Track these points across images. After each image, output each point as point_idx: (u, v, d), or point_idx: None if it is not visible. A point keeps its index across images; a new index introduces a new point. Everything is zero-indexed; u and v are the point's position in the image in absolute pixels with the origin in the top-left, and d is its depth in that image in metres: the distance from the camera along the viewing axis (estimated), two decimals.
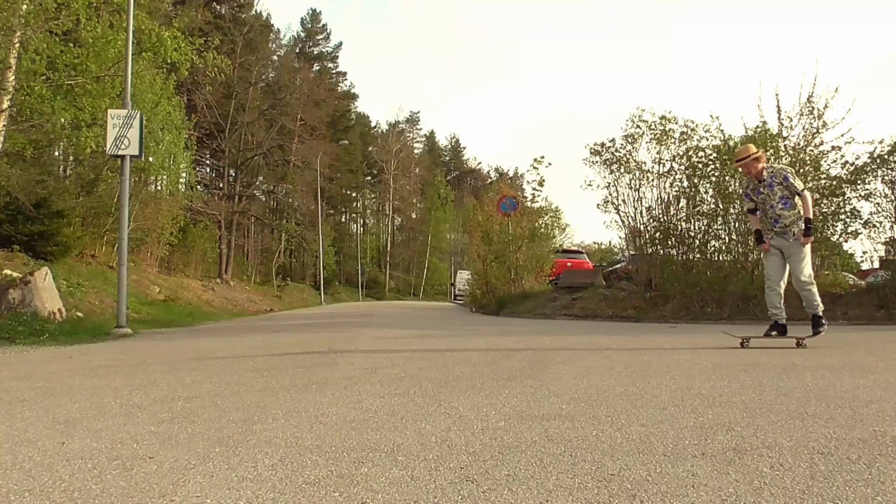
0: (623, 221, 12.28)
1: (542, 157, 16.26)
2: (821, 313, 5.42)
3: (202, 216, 30.52)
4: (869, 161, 9.39)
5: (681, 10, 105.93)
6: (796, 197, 5.41)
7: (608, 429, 2.39)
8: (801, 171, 9.99)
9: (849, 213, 9.66)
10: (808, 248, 5.42)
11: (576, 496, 1.67)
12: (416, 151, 66.80)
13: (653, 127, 11.58)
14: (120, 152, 9.34)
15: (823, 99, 9.74)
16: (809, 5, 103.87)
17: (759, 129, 10.33)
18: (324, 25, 53.73)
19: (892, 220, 9.24)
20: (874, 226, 9.41)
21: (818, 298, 5.44)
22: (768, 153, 10.13)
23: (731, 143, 10.65)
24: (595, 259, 27.28)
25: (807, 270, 5.37)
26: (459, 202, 61.94)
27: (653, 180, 11.76)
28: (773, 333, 5.50)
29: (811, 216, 5.44)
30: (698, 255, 11.20)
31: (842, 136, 9.62)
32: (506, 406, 2.87)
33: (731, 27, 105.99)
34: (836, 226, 9.81)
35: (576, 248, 21.39)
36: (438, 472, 1.90)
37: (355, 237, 60.27)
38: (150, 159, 17.50)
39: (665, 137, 11.48)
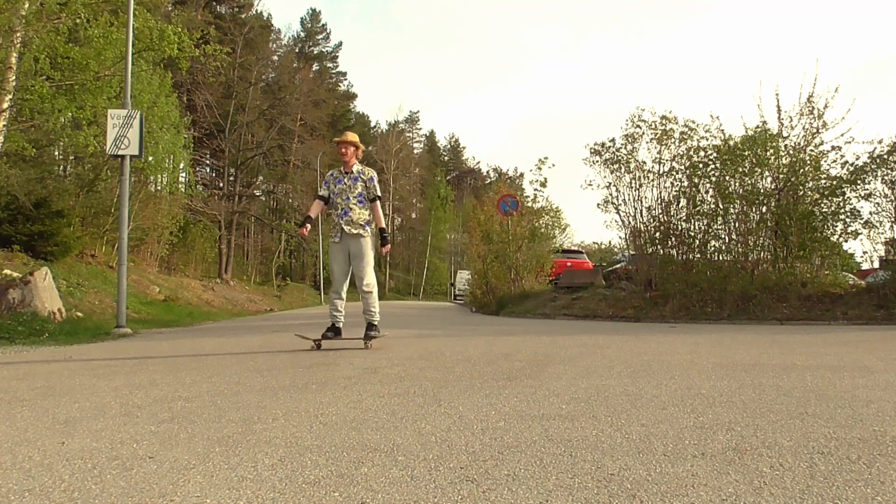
0: (623, 221, 12.30)
1: (546, 158, 16.29)
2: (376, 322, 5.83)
3: (202, 216, 30.54)
4: (869, 161, 9.39)
5: (682, 9, 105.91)
6: (374, 202, 5.69)
7: (608, 428, 2.39)
8: (801, 170, 10.01)
9: (849, 213, 9.66)
10: (370, 250, 5.67)
11: (575, 496, 1.67)
12: (415, 151, 66.79)
13: (653, 127, 11.59)
14: (120, 152, 9.34)
15: (823, 99, 9.75)
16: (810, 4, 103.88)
17: (759, 129, 10.34)
18: (323, 25, 53.78)
19: (892, 220, 9.24)
20: (874, 226, 9.41)
21: (377, 306, 5.82)
22: (768, 153, 10.15)
23: (731, 142, 10.66)
24: (595, 259, 27.30)
25: (369, 276, 5.67)
26: (459, 202, 61.96)
27: (653, 180, 11.77)
28: (330, 335, 5.75)
29: (384, 226, 5.78)
30: (698, 255, 11.21)
31: (842, 135, 9.63)
32: (506, 406, 2.87)
33: (730, 27, 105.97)
34: (836, 226, 9.81)
35: (576, 248, 21.41)
36: (438, 472, 1.90)
37: None
38: (150, 158, 17.50)
39: (665, 137, 11.49)
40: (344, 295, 5.85)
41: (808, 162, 9.98)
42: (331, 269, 5.87)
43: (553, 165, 16.46)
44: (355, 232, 5.66)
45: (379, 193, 5.84)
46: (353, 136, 5.92)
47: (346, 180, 5.79)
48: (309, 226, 6.01)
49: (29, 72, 10.99)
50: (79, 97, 11.54)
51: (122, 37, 10.84)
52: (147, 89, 16.70)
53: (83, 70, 11.33)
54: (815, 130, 9.90)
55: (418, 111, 78.25)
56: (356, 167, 5.85)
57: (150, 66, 14.17)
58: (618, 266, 17.68)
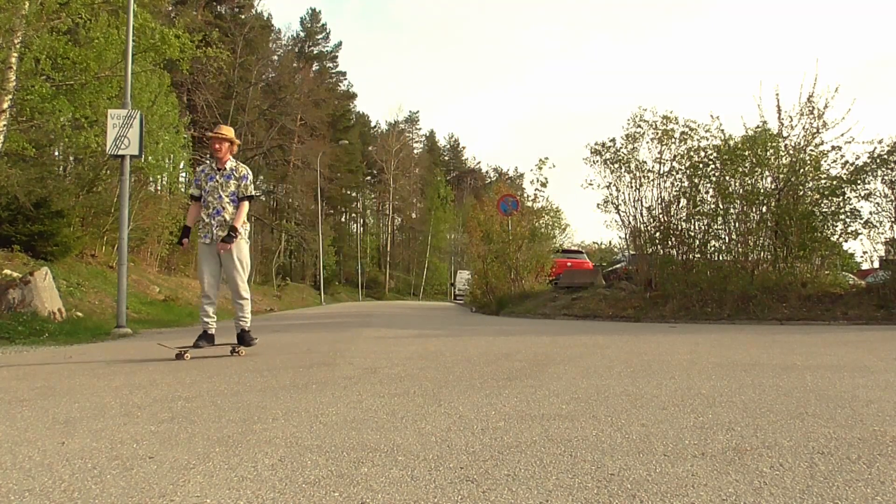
0: (623, 221, 12.30)
1: (547, 159, 16.31)
2: (248, 328, 5.51)
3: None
4: (869, 161, 9.39)
5: (682, 9, 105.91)
6: (243, 202, 5.36)
7: (608, 428, 2.39)
8: (801, 171, 10.00)
9: (849, 213, 9.66)
10: (245, 254, 5.40)
11: (575, 496, 1.67)
12: (415, 152, 66.80)
13: (654, 127, 11.59)
14: (120, 152, 9.35)
15: (823, 99, 9.75)
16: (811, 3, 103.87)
17: (759, 129, 10.34)
18: (323, 25, 53.86)
19: (892, 220, 9.24)
20: (874, 226, 9.41)
21: (249, 311, 5.52)
22: (768, 153, 10.15)
23: (732, 142, 10.66)
24: (595, 259, 27.30)
25: (242, 281, 5.36)
26: (459, 202, 61.99)
27: (653, 180, 11.77)
28: (202, 343, 5.41)
29: (239, 225, 5.32)
30: (698, 255, 11.21)
31: (842, 135, 9.63)
32: (506, 406, 2.87)
33: (730, 26, 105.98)
34: (836, 226, 9.81)
35: (576, 248, 21.42)
36: (438, 472, 1.90)
37: (355, 237, 60.35)
38: (150, 158, 17.51)
39: (666, 137, 11.49)
40: (215, 299, 5.46)
41: (808, 162, 9.98)
42: (200, 271, 5.50)
43: (553, 166, 16.48)
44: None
45: (251, 193, 5.50)
46: (227, 130, 5.55)
47: (217, 177, 5.39)
48: (186, 240, 5.57)
49: (29, 72, 11.00)
50: (78, 97, 11.55)
51: (122, 37, 10.86)
52: (146, 89, 16.71)
53: (83, 70, 11.33)
54: (815, 130, 9.90)
55: (418, 111, 78.30)
56: (230, 164, 5.45)
57: (150, 66, 14.16)
58: (618, 266, 17.69)
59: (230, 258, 5.30)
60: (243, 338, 5.49)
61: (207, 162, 5.64)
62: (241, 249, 5.38)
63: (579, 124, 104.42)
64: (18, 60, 10.93)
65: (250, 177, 5.58)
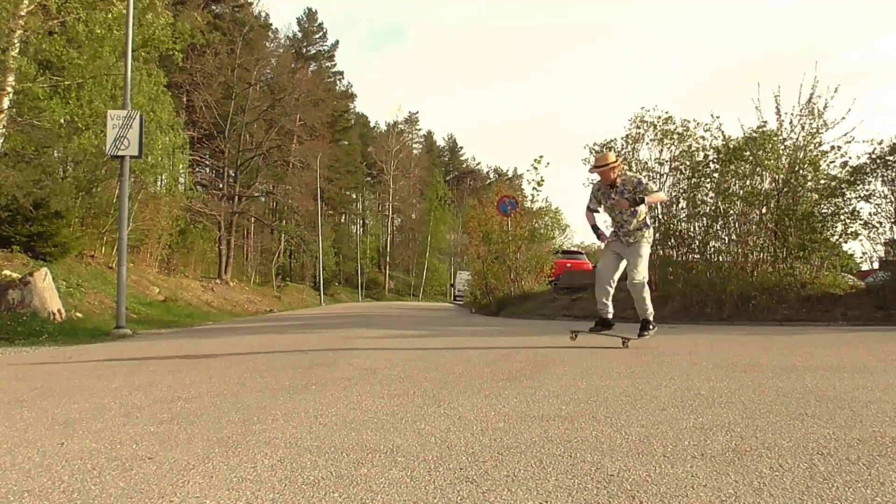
0: None
1: (542, 157, 16.30)
2: (651, 318, 5.59)
3: (202, 217, 30.53)
4: (869, 161, 9.39)
5: (683, 8, 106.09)
6: (642, 206, 5.49)
7: (607, 429, 2.39)
8: (801, 171, 10.00)
9: (849, 214, 9.66)
10: (646, 252, 5.57)
11: (575, 497, 1.67)
12: (414, 152, 66.79)
13: (655, 127, 11.60)
14: (119, 153, 9.35)
15: (823, 99, 9.75)
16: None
17: (759, 130, 10.34)
18: (320, 24, 53.69)
19: (892, 220, 9.23)
20: (874, 227, 9.41)
21: (650, 303, 5.59)
22: (767, 153, 10.16)
23: (732, 143, 10.66)
24: (595, 260, 27.31)
25: (642, 273, 5.51)
26: (459, 203, 62.00)
27: (653, 182, 11.77)
28: (599, 328, 5.65)
29: (655, 199, 5.63)
30: (698, 256, 11.21)
31: (844, 135, 9.63)
32: (505, 407, 2.87)
33: (730, 26, 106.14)
34: (836, 226, 9.81)
35: (576, 249, 21.41)
36: (438, 473, 1.90)
37: (355, 238, 60.32)
38: (149, 159, 17.49)
39: (666, 138, 11.50)
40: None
41: (808, 162, 9.98)
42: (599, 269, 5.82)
43: (549, 164, 16.47)
44: None
45: (651, 189, 5.64)
46: (602, 159, 5.66)
47: (613, 195, 5.60)
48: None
49: (28, 74, 10.99)
50: (74, 98, 11.54)
51: (118, 33, 10.85)
52: (142, 90, 16.66)
53: (80, 71, 11.32)
54: (814, 131, 9.89)
55: (417, 112, 78.32)
56: (619, 180, 5.60)
57: (144, 64, 14.14)
58: None
59: (636, 255, 5.51)
60: (645, 325, 5.60)
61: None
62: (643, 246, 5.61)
63: (580, 124, 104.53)
64: (16, 62, 10.93)
65: (642, 178, 5.78)
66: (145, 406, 3.11)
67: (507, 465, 1.96)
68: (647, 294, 5.55)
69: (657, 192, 5.72)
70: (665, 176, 11.62)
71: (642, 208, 5.52)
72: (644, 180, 5.67)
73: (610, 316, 5.66)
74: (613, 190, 5.56)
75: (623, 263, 5.64)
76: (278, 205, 46.35)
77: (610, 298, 5.65)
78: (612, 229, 5.73)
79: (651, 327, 5.58)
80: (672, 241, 11.52)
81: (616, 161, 5.64)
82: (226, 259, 33.16)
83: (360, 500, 1.69)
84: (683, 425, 2.43)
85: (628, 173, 5.86)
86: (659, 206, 11.65)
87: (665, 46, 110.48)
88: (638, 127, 11.80)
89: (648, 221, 5.69)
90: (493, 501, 1.66)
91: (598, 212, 5.88)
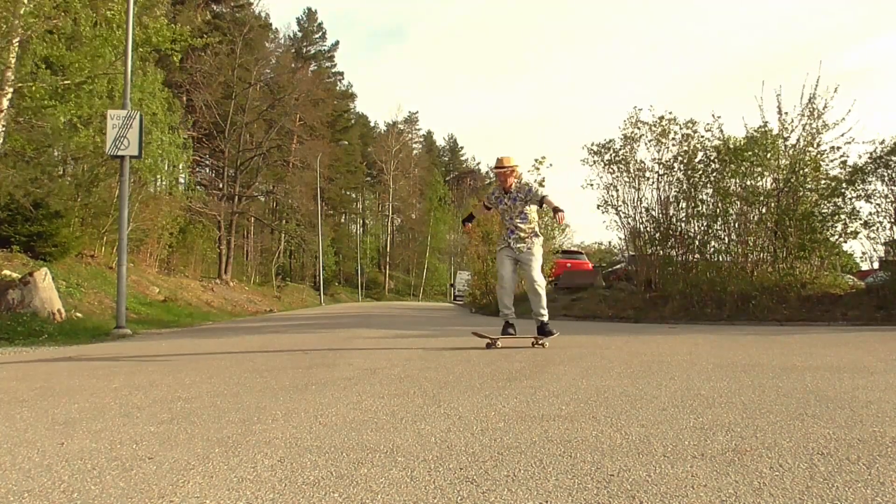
0: (622, 222, 12.30)
1: (544, 158, 16.28)
2: (547, 321, 5.74)
3: (201, 217, 30.53)
4: (869, 162, 9.40)
5: (683, 8, 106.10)
6: (532, 213, 5.71)
7: (608, 429, 2.39)
8: (801, 171, 10.00)
9: (848, 214, 9.66)
10: (539, 255, 5.74)
11: (575, 497, 1.67)
12: (414, 152, 66.78)
13: (653, 127, 11.60)
14: (119, 153, 9.35)
15: (823, 99, 9.75)
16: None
17: (759, 130, 10.34)
18: (320, 24, 53.63)
19: (892, 220, 9.24)
20: (874, 226, 9.41)
21: (546, 307, 5.75)
22: (768, 153, 10.16)
23: (732, 143, 10.66)
24: (595, 260, 27.31)
25: (540, 276, 5.69)
26: (459, 203, 61.96)
27: (653, 183, 11.79)
28: (511, 331, 5.76)
29: (558, 206, 5.57)
30: (698, 256, 11.21)
31: (842, 135, 9.63)
32: (505, 407, 2.87)
33: (731, 26, 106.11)
34: (836, 226, 9.81)
35: (575, 249, 21.39)
36: (438, 473, 1.90)
37: (355, 238, 60.33)
38: (148, 160, 17.47)
39: (664, 138, 11.50)
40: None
41: (808, 163, 9.98)
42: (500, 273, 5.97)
43: (551, 165, 16.46)
44: None
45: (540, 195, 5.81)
46: (505, 160, 5.82)
47: (506, 200, 5.77)
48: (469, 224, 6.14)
49: (27, 74, 10.98)
50: (73, 98, 11.53)
51: (118, 33, 10.84)
52: (140, 87, 16.62)
53: (79, 71, 11.30)
54: (814, 131, 9.90)
55: (417, 111, 78.22)
56: (514, 186, 5.76)
57: (142, 62, 14.12)
58: (617, 267, 17.69)
59: (530, 259, 5.67)
60: (542, 329, 5.74)
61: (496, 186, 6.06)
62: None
63: (579, 123, 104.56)
64: (17, 61, 10.92)
65: (534, 185, 5.89)
66: (145, 406, 3.11)
67: (507, 465, 1.96)
68: (544, 298, 5.74)
69: (548, 197, 5.80)
70: (664, 176, 11.63)
71: (533, 216, 5.73)
72: (535, 187, 5.85)
73: (512, 319, 5.84)
74: (507, 195, 5.74)
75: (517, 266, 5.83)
76: (278, 205, 46.33)
77: (512, 302, 5.85)
78: (503, 236, 5.88)
79: (550, 331, 5.73)
80: (672, 241, 11.53)
81: (515, 167, 5.81)
82: (226, 259, 33.15)
83: (361, 499, 1.69)
84: (683, 425, 2.43)
85: (524, 181, 6.00)
86: (657, 207, 11.66)
87: (665, 46, 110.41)
88: (637, 127, 11.80)
89: (538, 230, 5.86)
90: (493, 501, 1.66)
91: (488, 209, 6.10)
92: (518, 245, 5.68)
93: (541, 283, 5.65)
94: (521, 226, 5.69)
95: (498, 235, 16.66)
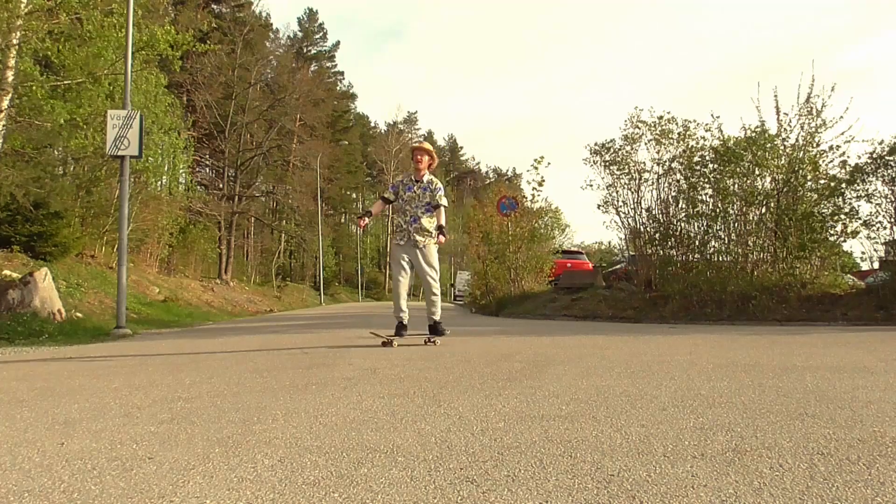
0: (623, 222, 12.31)
1: (542, 158, 16.31)
2: (438, 319, 5.97)
3: (202, 217, 30.54)
4: (868, 161, 9.39)
5: (683, 8, 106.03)
6: (438, 210, 5.79)
7: (608, 429, 2.39)
8: (801, 171, 10.01)
9: (848, 214, 9.66)
10: (435, 253, 5.83)
11: (575, 497, 1.67)
12: None
13: (652, 127, 11.60)
14: (119, 153, 9.35)
15: (820, 99, 9.75)
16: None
17: (758, 129, 10.34)
18: (321, 24, 53.69)
19: (892, 220, 9.23)
20: (873, 226, 9.40)
21: (439, 305, 5.94)
22: (766, 153, 10.17)
23: (731, 143, 10.66)
24: (595, 260, 27.33)
25: (437, 274, 5.83)
26: (459, 203, 61.99)
27: (652, 183, 11.79)
28: (403, 332, 5.89)
29: (444, 226, 5.82)
30: (698, 256, 11.21)
31: (842, 134, 9.63)
32: (505, 407, 2.87)
33: (731, 25, 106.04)
34: (836, 226, 9.81)
35: (576, 249, 21.42)
36: (438, 473, 1.90)
37: (355, 238, 60.31)
38: (150, 159, 17.48)
39: (664, 138, 11.50)
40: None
41: (807, 162, 9.98)
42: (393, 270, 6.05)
43: (549, 164, 16.49)
44: None
45: (444, 202, 5.94)
46: (428, 145, 6.01)
47: (416, 188, 5.84)
48: (364, 220, 6.33)
49: (27, 73, 10.98)
50: (74, 98, 11.53)
51: (119, 34, 10.84)
52: (141, 89, 16.63)
53: (80, 70, 11.30)
54: (813, 130, 9.90)
55: (416, 112, 78.06)
56: (427, 177, 5.86)
57: (143, 65, 14.12)
58: (618, 267, 17.69)
59: (429, 257, 5.76)
60: (435, 328, 5.92)
61: (406, 173, 6.11)
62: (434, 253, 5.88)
63: (580, 123, 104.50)
64: (17, 60, 10.92)
65: (443, 189, 6.01)
66: (145, 406, 3.11)
67: (507, 465, 1.96)
68: (440, 297, 5.89)
69: (444, 210, 5.92)
70: (664, 176, 11.63)
71: (432, 217, 5.80)
72: (442, 193, 5.93)
73: (406, 320, 5.94)
74: (418, 184, 5.81)
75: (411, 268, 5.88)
76: (278, 205, 46.35)
77: (406, 304, 5.94)
78: (402, 225, 5.88)
79: (443, 331, 5.88)
80: (671, 241, 11.53)
81: (434, 157, 5.93)
82: (226, 259, 33.18)
83: (361, 499, 1.69)
84: (683, 425, 2.42)
85: (436, 180, 6.06)
86: (657, 207, 11.66)
87: (665, 46, 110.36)
88: (637, 127, 11.81)
89: (435, 230, 5.87)
90: (493, 501, 1.66)
91: (389, 203, 6.12)
92: (419, 238, 5.71)
93: (437, 280, 5.74)
94: (425, 217, 5.74)
95: (497, 236, 16.74)
